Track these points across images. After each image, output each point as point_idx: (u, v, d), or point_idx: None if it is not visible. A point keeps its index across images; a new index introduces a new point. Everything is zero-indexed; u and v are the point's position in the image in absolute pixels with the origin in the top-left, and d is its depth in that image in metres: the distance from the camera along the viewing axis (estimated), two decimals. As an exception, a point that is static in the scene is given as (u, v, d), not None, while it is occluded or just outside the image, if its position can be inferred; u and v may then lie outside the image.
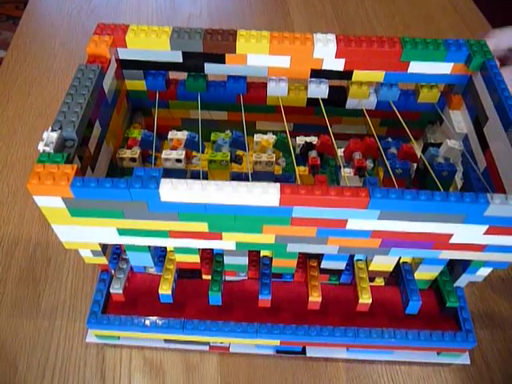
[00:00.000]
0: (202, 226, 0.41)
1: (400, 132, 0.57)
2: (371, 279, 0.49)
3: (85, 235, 0.43)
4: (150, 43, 0.50)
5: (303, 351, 0.49)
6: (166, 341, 0.50)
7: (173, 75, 0.56)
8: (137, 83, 0.55)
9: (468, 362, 0.49)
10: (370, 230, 0.40)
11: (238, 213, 0.39)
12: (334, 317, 0.48)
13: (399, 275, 0.48)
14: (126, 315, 0.47)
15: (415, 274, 0.47)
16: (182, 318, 0.47)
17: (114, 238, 0.43)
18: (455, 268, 0.47)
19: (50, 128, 0.40)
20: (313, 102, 0.56)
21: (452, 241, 0.41)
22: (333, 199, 0.37)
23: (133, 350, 0.50)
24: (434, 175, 0.48)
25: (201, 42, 0.50)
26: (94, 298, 0.48)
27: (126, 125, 0.56)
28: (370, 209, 0.37)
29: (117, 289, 0.46)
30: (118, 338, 0.50)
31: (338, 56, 0.50)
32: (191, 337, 0.47)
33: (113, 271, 0.49)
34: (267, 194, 0.37)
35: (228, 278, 0.50)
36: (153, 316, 0.47)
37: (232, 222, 0.40)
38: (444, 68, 0.51)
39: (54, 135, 0.40)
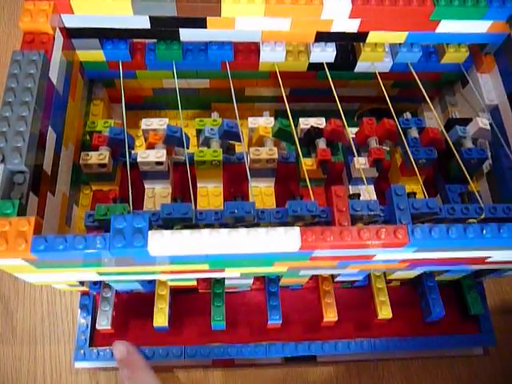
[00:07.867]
0: (202, 266, 0.34)
1: (413, 93, 0.48)
2: (387, 281, 0.44)
3: (57, 278, 0.36)
4: (105, 7, 0.37)
5: (313, 356, 0.46)
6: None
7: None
8: (92, 54, 0.42)
9: (481, 353, 0.47)
10: (400, 259, 0.34)
11: (247, 258, 0.32)
12: (348, 325, 0.44)
13: (418, 278, 0.43)
14: (118, 345, 0.41)
15: (437, 278, 0.43)
16: (181, 344, 0.42)
17: (94, 277, 0.36)
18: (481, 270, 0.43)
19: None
20: (315, 66, 0.45)
21: (490, 260, 0.36)
22: (365, 244, 0.30)
23: (128, 371, 0.45)
24: (461, 163, 0.41)
25: (174, 4, 0.37)
26: (77, 328, 0.42)
27: (84, 107, 0.44)
28: (407, 247, 0.31)
29: (104, 325, 0.39)
30: (111, 359, 0.45)
31: (352, 16, 0.39)
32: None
33: (94, 293, 0.43)
34: (285, 244, 0.29)
35: (228, 289, 0.44)
36: (148, 344, 0.41)
37: (238, 262, 0.34)
38: (479, 26, 0.42)
39: (-4, 173, 0.30)
